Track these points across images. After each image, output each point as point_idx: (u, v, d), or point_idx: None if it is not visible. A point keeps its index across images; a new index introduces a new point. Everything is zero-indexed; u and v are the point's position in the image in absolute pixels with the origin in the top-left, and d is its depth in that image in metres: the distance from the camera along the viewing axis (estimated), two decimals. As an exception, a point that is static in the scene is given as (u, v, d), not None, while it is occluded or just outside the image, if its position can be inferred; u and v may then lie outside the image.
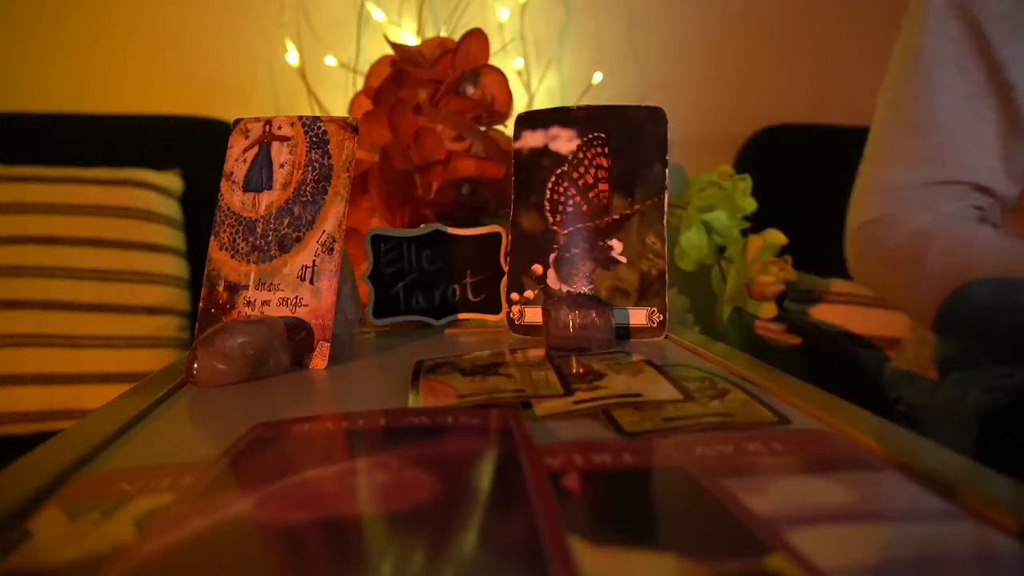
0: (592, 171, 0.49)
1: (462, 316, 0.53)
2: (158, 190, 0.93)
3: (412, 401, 0.32)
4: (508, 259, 0.50)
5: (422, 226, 0.52)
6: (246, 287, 0.42)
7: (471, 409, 0.29)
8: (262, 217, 0.44)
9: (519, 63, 1.14)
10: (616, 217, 0.48)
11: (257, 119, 0.46)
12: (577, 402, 0.31)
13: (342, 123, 0.45)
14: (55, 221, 0.86)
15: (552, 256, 0.49)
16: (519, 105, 1.07)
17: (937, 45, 0.61)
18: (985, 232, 0.59)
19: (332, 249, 0.42)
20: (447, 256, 0.52)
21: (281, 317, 0.41)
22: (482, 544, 0.17)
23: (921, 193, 0.62)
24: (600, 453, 0.24)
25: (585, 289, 0.48)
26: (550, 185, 0.50)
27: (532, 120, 0.51)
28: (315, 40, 1.12)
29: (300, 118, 0.45)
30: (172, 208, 0.95)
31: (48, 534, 0.20)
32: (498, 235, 0.52)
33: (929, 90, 0.61)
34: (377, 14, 1.11)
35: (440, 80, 0.66)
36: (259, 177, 0.45)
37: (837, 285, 0.96)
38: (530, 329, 0.49)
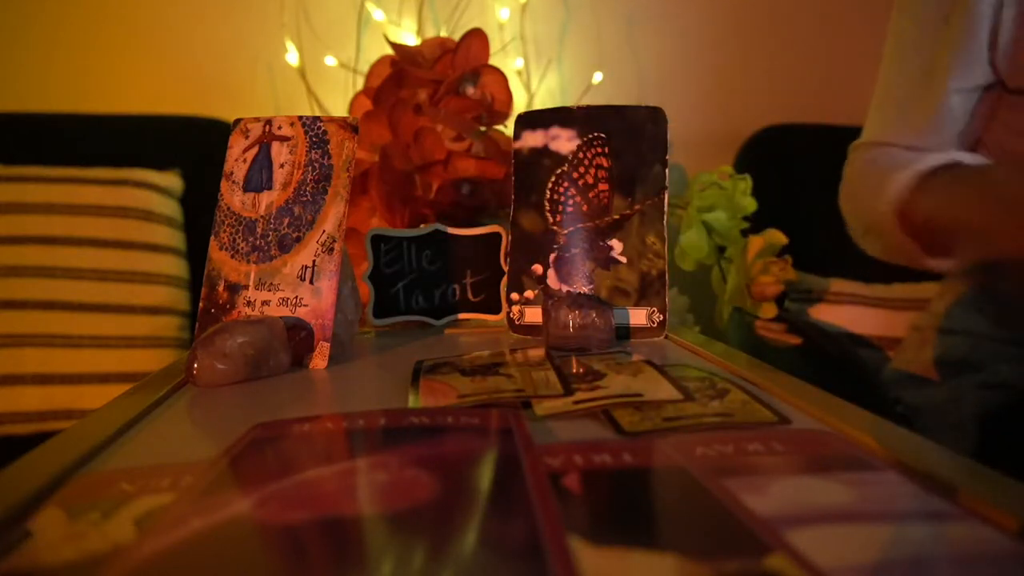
0: (592, 171, 0.49)
1: (462, 316, 0.53)
2: (158, 190, 0.93)
3: (412, 401, 0.32)
4: (508, 259, 0.50)
5: (422, 226, 0.52)
6: (246, 287, 0.42)
7: (471, 409, 0.29)
8: (262, 217, 0.44)
9: (519, 63, 1.14)
10: (616, 217, 0.48)
11: (257, 119, 0.46)
12: (577, 402, 0.31)
13: (342, 123, 0.45)
14: (55, 221, 0.86)
15: (552, 256, 0.49)
16: (519, 105, 1.07)
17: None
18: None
19: (332, 249, 0.42)
20: (447, 256, 0.52)
21: (281, 317, 0.41)
22: (482, 544, 0.17)
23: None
24: (600, 453, 0.24)
25: (585, 289, 0.48)
26: (550, 185, 0.49)
27: (532, 120, 0.51)
28: (315, 40, 1.12)
29: (300, 118, 0.45)
30: (172, 208, 0.95)
31: (48, 534, 0.20)
32: (498, 235, 0.52)
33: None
34: (377, 14, 1.11)
35: (440, 80, 0.66)
36: (259, 177, 0.45)
37: (837, 285, 0.96)
38: (530, 329, 0.48)
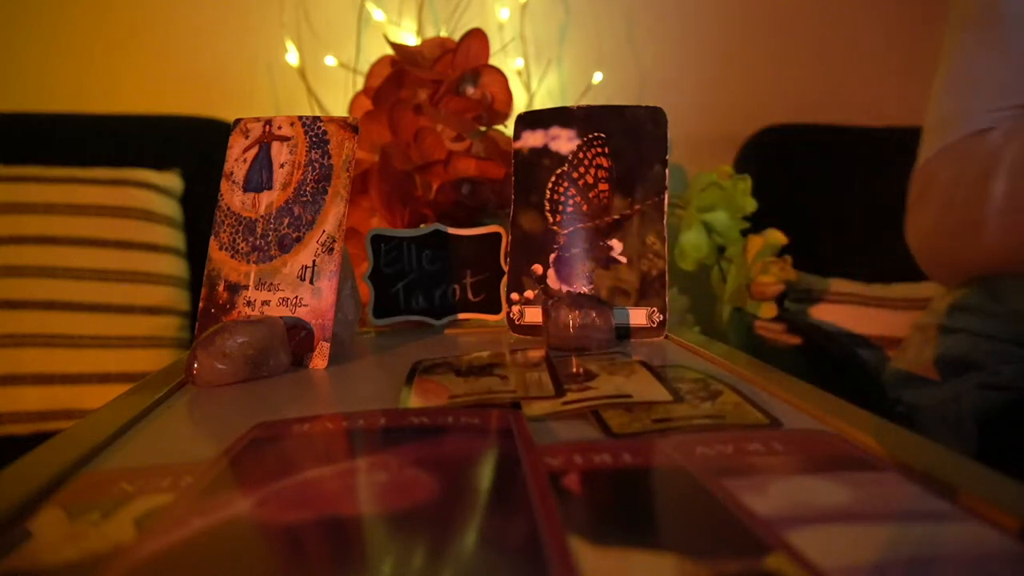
0: (592, 171, 0.49)
1: (462, 316, 0.53)
2: (158, 190, 0.93)
3: (404, 400, 0.32)
4: (508, 259, 0.50)
5: (422, 226, 0.52)
6: (246, 287, 0.42)
7: (471, 409, 0.29)
8: (262, 217, 0.44)
9: (519, 63, 1.14)
10: (616, 217, 0.48)
11: (257, 119, 0.46)
12: (566, 403, 0.31)
13: (342, 123, 0.45)
14: (55, 221, 0.86)
15: (552, 256, 0.49)
16: (519, 105, 1.07)
17: None
18: None
19: (332, 249, 0.42)
20: (447, 256, 0.52)
21: (281, 317, 0.41)
22: (482, 544, 0.17)
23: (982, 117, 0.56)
24: (600, 453, 0.24)
25: (585, 289, 0.48)
26: (550, 185, 0.50)
27: (532, 120, 0.51)
28: (315, 40, 1.12)
29: (300, 118, 0.45)
30: (172, 208, 0.95)
31: (48, 534, 0.20)
32: (498, 235, 0.52)
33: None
34: (377, 14, 1.11)
35: (440, 80, 0.66)
36: (259, 177, 0.45)
37: (837, 285, 0.96)
38: (530, 329, 0.48)
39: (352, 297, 0.46)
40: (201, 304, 0.43)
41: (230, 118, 0.51)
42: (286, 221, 0.43)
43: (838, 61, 1.23)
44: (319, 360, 0.41)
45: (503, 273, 0.52)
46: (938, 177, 0.58)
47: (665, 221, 0.48)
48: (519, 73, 1.14)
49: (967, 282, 0.67)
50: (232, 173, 0.45)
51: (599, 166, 0.49)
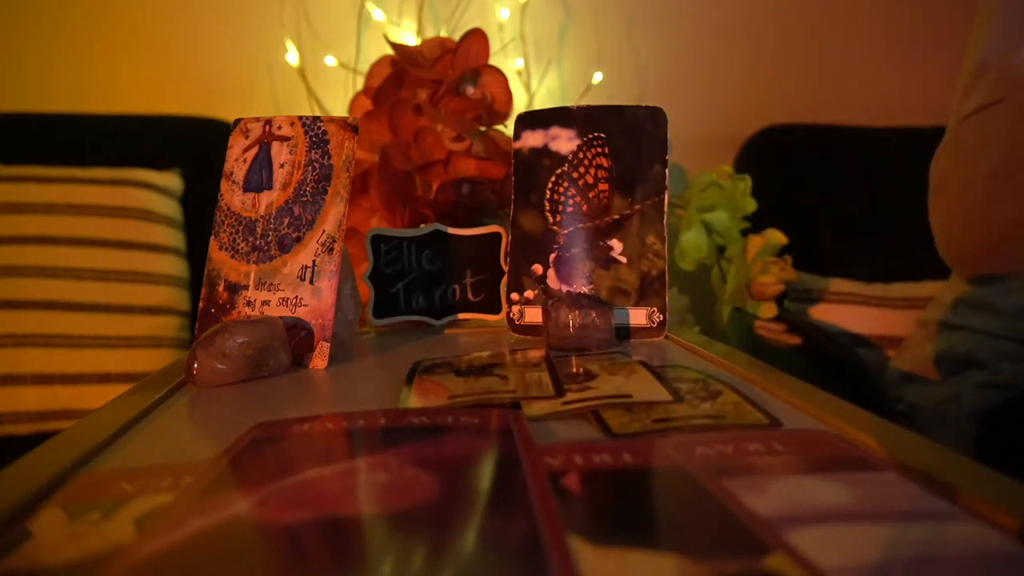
0: (592, 171, 0.49)
1: (462, 316, 0.53)
2: (158, 190, 0.93)
3: (404, 400, 0.32)
4: (508, 259, 0.50)
5: (422, 226, 0.52)
6: (246, 287, 0.42)
7: (471, 409, 0.29)
8: (262, 217, 0.44)
9: (519, 63, 1.14)
10: (616, 217, 0.48)
11: (257, 119, 0.46)
12: (566, 403, 0.31)
13: (342, 123, 0.45)
14: (55, 221, 0.86)
15: (552, 256, 0.49)
16: (519, 105, 1.07)
17: None
18: None
19: (332, 249, 0.42)
20: (447, 256, 0.52)
21: (281, 317, 0.41)
22: (482, 544, 0.17)
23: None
24: (600, 453, 0.24)
25: (585, 289, 0.48)
26: (550, 185, 0.50)
27: (532, 120, 0.51)
28: (315, 40, 1.12)
29: (300, 118, 0.45)
30: (172, 208, 0.95)
31: (48, 534, 0.20)
32: (498, 235, 0.52)
33: None
34: (377, 14, 1.11)
35: (440, 80, 0.66)
36: (259, 177, 0.45)
37: (837, 285, 0.96)
38: (530, 329, 0.48)
39: (352, 297, 0.46)
40: (201, 304, 0.43)
41: (230, 118, 0.51)
42: (286, 221, 0.43)
43: (838, 61, 1.23)
44: (319, 360, 0.41)
45: (503, 273, 0.52)
46: (998, 115, 0.52)
47: (665, 221, 0.48)
48: (519, 73, 1.14)
49: (978, 277, 0.66)
50: (232, 173, 0.45)
51: (599, 166, 0.49)
